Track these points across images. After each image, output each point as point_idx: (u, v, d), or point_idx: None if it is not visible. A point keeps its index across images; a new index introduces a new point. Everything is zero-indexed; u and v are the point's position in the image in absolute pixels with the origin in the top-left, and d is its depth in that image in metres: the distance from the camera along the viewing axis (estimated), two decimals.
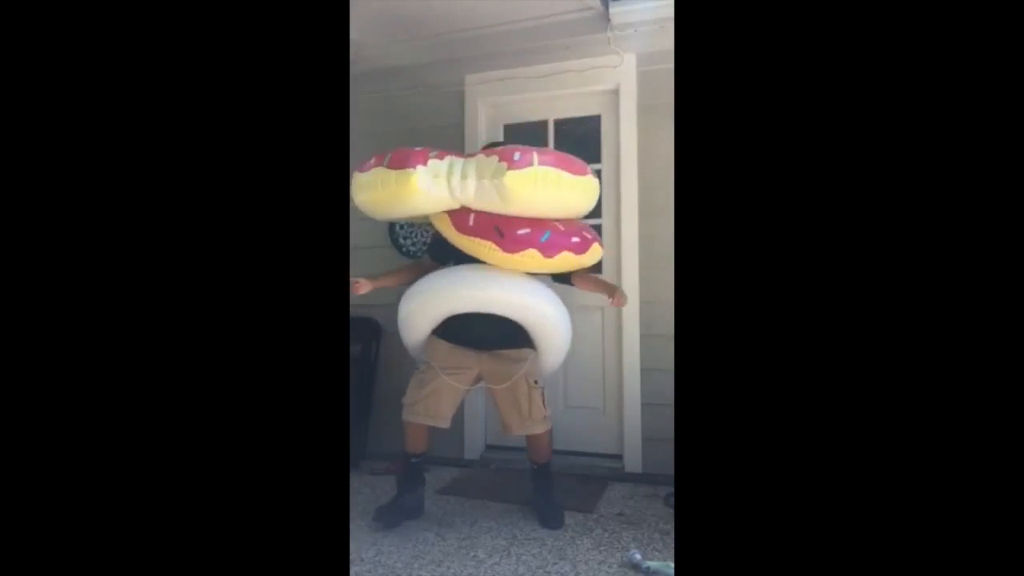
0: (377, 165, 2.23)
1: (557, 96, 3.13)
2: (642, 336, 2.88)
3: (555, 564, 1.97)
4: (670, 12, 2.70)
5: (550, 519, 2.30)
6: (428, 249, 2.66)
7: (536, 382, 2.34)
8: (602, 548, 2.09)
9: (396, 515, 2.29)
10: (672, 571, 1.86)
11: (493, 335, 2.30)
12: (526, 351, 2.34)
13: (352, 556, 2.00)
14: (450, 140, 3.23)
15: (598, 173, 3.10)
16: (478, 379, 2.37)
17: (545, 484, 2.41)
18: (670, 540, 2.13)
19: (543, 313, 2.28)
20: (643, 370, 2.87)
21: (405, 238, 3.26)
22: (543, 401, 2.33)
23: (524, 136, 3.27)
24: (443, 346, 2.33)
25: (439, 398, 2.28)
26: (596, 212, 3.08)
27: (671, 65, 2.65)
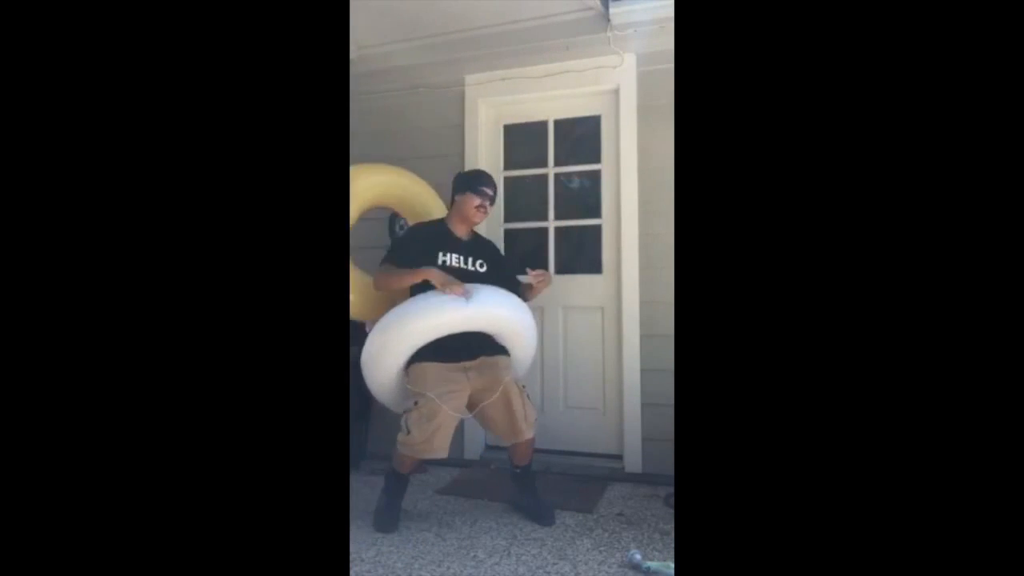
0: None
1: (557, 96, 3.13)
2: (642, 336, 2.89)
3: (555, 564, 1.97)
4: (670, 12, 2.70)
5: (543, 517, 2.32)
6: (400, 248, 2.51)
7: (524, 386, 2.40)
8: (602, 548, 2.09)
9: (396, 518, 2.29)
10: (672, 571, 1.86)
11: (475, 342, 2.35)
12: (506, 358, 2.43)
13: (352, 556, 2.00)
14: (450, 140, 3.24)
15: (598, 173, 3.11)
16: (469, 400, 2.33)
17: (530, 484, 2.44)
18: (670, 540, 2.14)
19: (512, 320, 2.35)
20: (643, 370, 2.87)
21: None
22: (531, 402, 2.40)
23: (524, 136, 3.28)
24: (431, 369, 2.27)
25: (444, 433, 2.22)
26: (596, 212, 3.09)
27: (671, 65, 2.65)
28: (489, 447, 3.18)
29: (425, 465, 2.99)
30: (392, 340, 2.27)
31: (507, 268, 2.64)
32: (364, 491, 2.63)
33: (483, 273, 2.51)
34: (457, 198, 2.52)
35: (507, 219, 3.29)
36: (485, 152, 3.25)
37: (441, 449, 2.22)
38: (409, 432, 2.21)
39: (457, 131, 3.23)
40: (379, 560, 2.01)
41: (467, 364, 2.33)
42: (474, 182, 2.51)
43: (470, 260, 2.49)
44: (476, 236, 2.61)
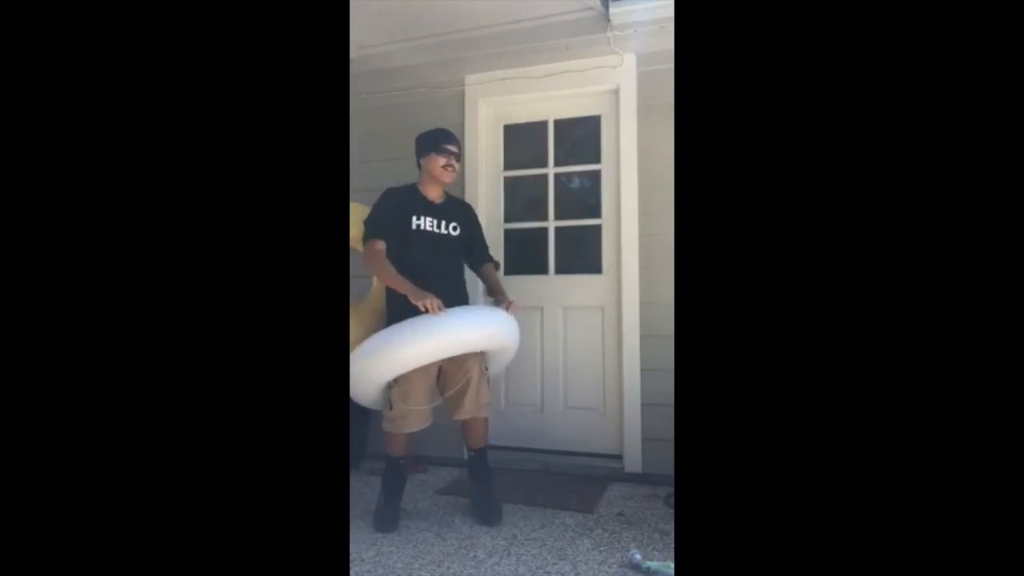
0: None
1: (557, 96, 3.13)
2: (642, 336, 2.88)
3: (555, 564, 1.97)
4: (670, 12, 2.70)
5: (490, 517, 2.30)
6: (376, 222, 2.43)
7: (486, 369, 2.41)
8: (602, 548, 2.09)
9: (395, 518, 2.30)
10: (672, 571, 1.86)
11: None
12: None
13: (352, 556, 2.00)
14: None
15: (598, 173, 3.11)
16: (440, 380, 2.37)
17: (484, 475, 2.42)
18: (670, 540, 2.13)
19: (498, 339, 2.35)
20: (643, 370, 2.87)
21: None
22: (489, 387, 2.41)
23: (524, 136, 3.28)
24: None
25: (419, 394, 2.28)
26: (596, 212, 3.09)
27: (671, 65, 2.65)
28: (489, 447, 3.18)
29: (425, 465, 2.99)
30: (378, 366, 2.24)
31: (478, 234, 2.64)
32: (364, 491, 2.63)
33: (456, 236, 2.51)
34: (422, 161, 2.50)
35: (507, 219, 3.29)
36: (485, 152, 3.25)
37: (420, 423, 2.30)
38: (392, 407, 2.28)
39: (457, 131, 3.21)
40: (379, 560, 2.01)
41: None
42: (436, 141, 2.48)
43: (443, 223, 2.49)
44: (449, 198, 2.59)
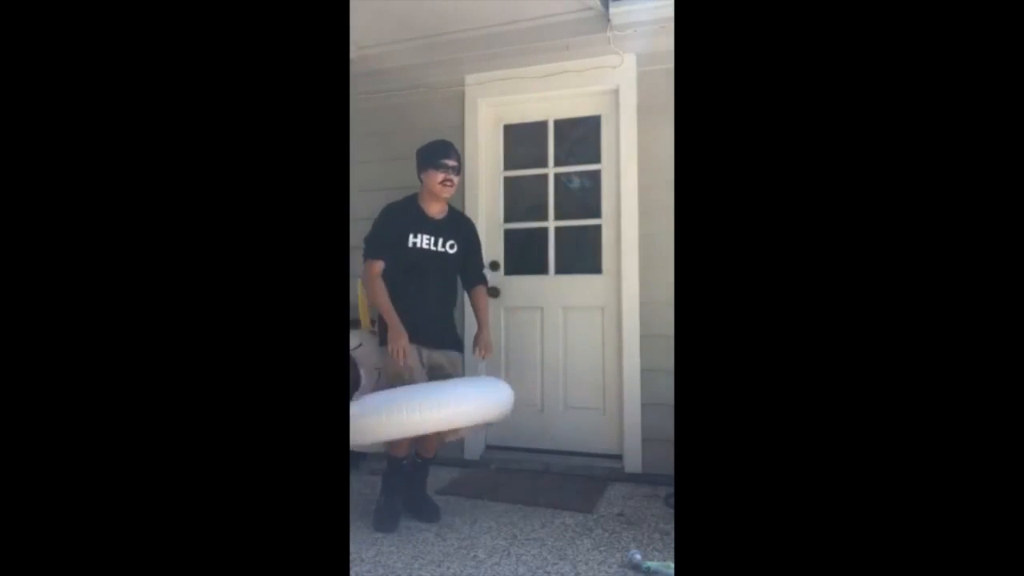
0: None
1: (557, 96, 3.13)
2: (642, 336, 2.89)
3: (555, 564, 1.97)
4: (670, 12, 2.70)
5: (430, 513, 2.36)
6: (375, 242, 2.43)
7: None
8: (602, 548, 2.09)
9: (396, 518, 2.30)
10: (672, 571, 1.86)
11: (436, 333, 2.45)
12: (458, 355, 2.52)
13: (352, 556, 2.00)
14: (450, 140, 3.23)
15: (598, 173, 3.11)
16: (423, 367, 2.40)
17: (424, 477, 2.47)
18: (670, 540, 2.13)
19: (496, 411, 2.32)
20: (643, 370, 2.87)
21: None
22: None
23: (524, 136, 3.28)
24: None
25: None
26: (596, 212, 3.09)
27: (671, 65, 2.65)
28: (489, 447, 3.18)
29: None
30: (378, 427, 2.18)
31: (475, 253, 2.63)
32: (364, 491, 2.63)
33: (453, 254, 2.50)
34: (422, 176, 2.48)
35: (507, 219, 3.29)
36: (485, 152, 3.25)
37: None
38: None
39: (457, 131, 3.23)
40: (379, 560, 2.01)
41: (425, 351, 2.39)
42: (434, 156, 2.46)
43: (440, 241, 2.47)
44: (450, 212, 2.56)
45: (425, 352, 2.40)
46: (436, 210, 2.50)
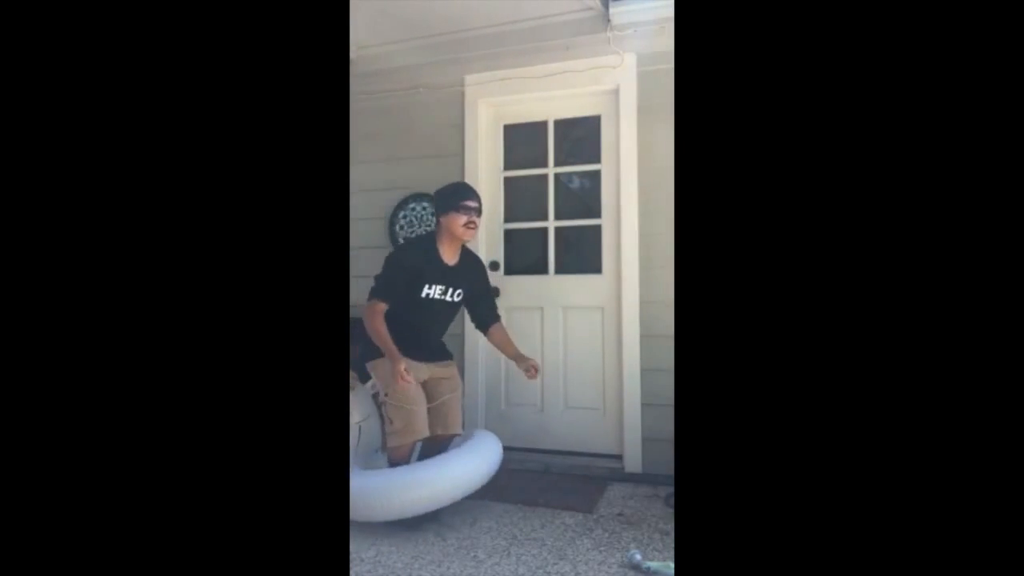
0: None
1: (557, 96, 3.13)
2: (642, 336, 2.88)
3: (555, 564, 1.97)
4: (670, 12, 2.70)
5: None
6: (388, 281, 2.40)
7: (462, 392, 2.58)
8: (602, 548, 2.09)
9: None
10: (672, 571, 1.86)
11: (431, 348, 2.52)
12: (453, 366, 2.59)
13: (352, 556, 2.00)
14: (450, 140, 3.24)
15: (598, 173, 3.11)
16: (425, 389, 2.41)
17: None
18: (670, 540, 2.13)
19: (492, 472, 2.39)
20: (643, 370, 2.87)
21: (405, 238, 3.26)
22: (460, 410, 2.54)
23: (524, 136, 3.28)
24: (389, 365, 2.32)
25: (421, 414, 2.33)
26: (596, 212, 3.09)
27: (671, 65, 2.65)
28: None
29: None
30: (378, 504, 2.17)
31: (485, 294, 2.64)
32: None
33: (458, 302, 2.52)
34: (442, 219, 2.44)
35: (507, 219, 3.29)
36: (485, 152, 3.25)
37: (423, 430, 2.33)
38: (392, 422, 2.32)
39: (457, 131, 3.23)
40: (379, 560, 2.01)
41: (421, 365, 2.41)
42: (456, 199, 2.41)
43: (450, 291, 2.47)
44: (464, 256, 2.54)
45: (425, 367, 2.43)
46: (451, 254, 2.47)
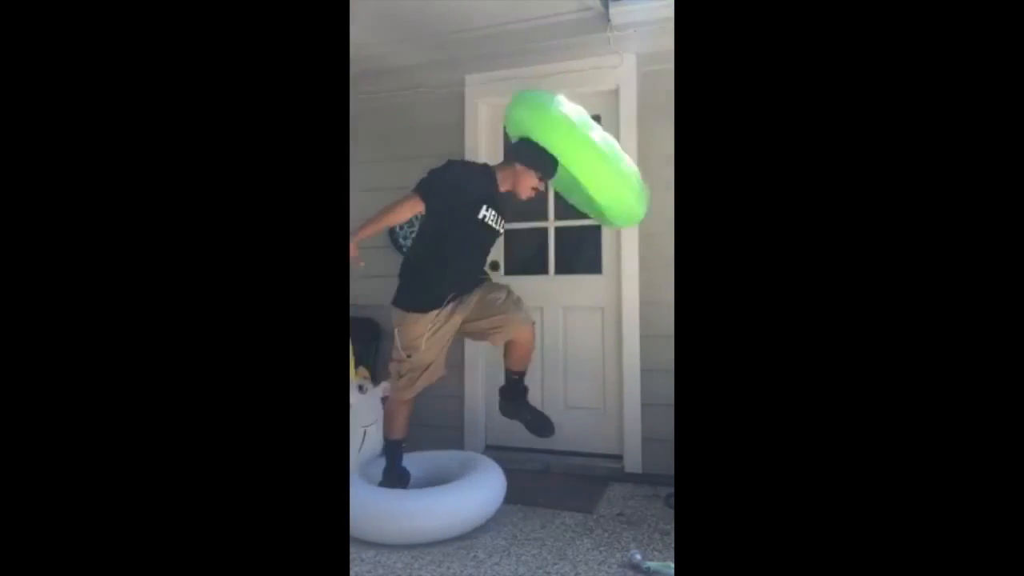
0: None
1: None
2: (642, 336, 2.88)
3: (555, 564, 1.97)
4: (670, 12, 2.69)
5: (545, 428, 2.52)
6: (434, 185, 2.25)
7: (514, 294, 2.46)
8: (602, 548, 2.09)
9: (405, 475, 2.41)
10: (672, 571, 1.86)
11: (469, 284, 2.41)
12: (487, 275, 2.55)
13: (352, 556, 2.00)
14: (450, 140, 3.24)
15: None
16: (463, 325, 2.40)
17: (524, 396, 2.58)
18: (670, 540, 2.14)
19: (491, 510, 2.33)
20: (643, 370, 2.87)
21: (405, 238, 3.26)
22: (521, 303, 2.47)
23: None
24: (417, 322, 2.30)
25: (428, 376, 2.38)
26: None
27: (671, 65, 2.65)
28: (489, 447, 3.18)
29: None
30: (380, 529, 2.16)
31: None
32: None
33: (501, 234, 2.44)
34: (518, 167, 2.30)
35: (507, 219, 3.28)
36: (485, 152, 3.25)
37: (436, 371, 2.39)
38: (401, 376, 2.37)
39: (457, 131, 3.23)
40: (379, 560, 2.01)
41: (446, 309, 2.32)
42: (547, 166, 2.25)
43: (499, 219, 2.39)
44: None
45: (464, 300, 2.35)
46: (504, 188, 2.36)
